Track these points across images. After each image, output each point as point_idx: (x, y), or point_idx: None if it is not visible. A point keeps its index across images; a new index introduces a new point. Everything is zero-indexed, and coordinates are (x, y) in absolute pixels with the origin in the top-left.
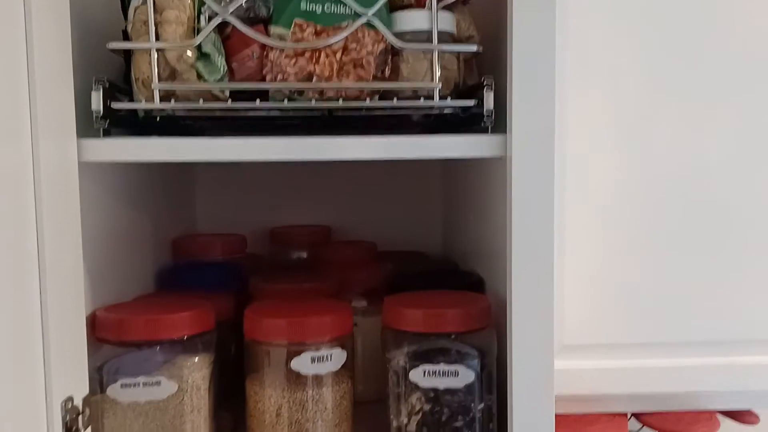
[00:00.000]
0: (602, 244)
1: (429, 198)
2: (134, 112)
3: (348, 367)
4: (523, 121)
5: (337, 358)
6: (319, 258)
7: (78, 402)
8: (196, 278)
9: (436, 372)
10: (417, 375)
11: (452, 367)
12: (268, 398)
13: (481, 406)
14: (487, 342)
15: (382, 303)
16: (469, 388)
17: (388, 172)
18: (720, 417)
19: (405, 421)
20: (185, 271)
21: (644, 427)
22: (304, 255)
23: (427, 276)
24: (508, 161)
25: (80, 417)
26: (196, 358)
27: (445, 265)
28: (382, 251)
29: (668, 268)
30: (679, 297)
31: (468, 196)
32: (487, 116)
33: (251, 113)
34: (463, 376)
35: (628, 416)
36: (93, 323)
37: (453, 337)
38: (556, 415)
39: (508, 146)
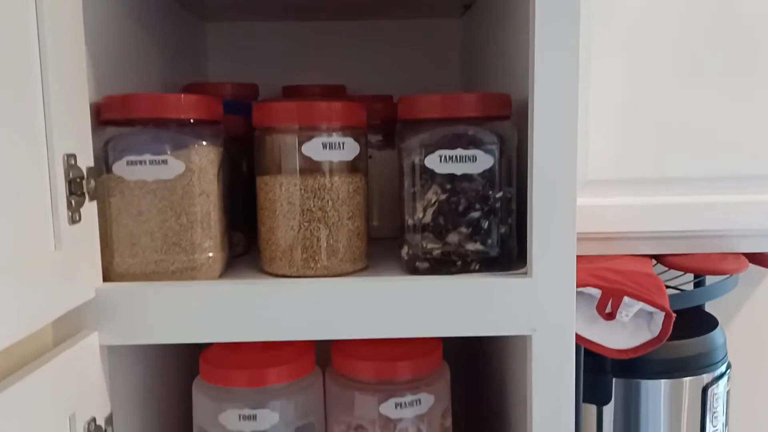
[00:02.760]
0: (628, 72)
1: (446, 56)
2: None
3: (362, 164)
4: None
5: (349, 148)
6: None
7: (82, 164)
8: None
9: (452, 157)
10: (433, 161)
11: (470, 152)
12: (279, 186)
13: (500, 195)
14: (506, 130)
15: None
16: (487, 174)
17: (401, 28)
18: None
19: (420, 215)
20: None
21: (670, 270)
22: None
23: None
24: None
25: (84, 182)
26: (204, 142)
27: None
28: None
29: (697, 99)
30: (708, 130)
31: (489, 35)
32: None
33: None
34: (481, 161)
35: (653, 263)
36: (98, 109)
37: (471, 122)
38: (578, 257)
39: None
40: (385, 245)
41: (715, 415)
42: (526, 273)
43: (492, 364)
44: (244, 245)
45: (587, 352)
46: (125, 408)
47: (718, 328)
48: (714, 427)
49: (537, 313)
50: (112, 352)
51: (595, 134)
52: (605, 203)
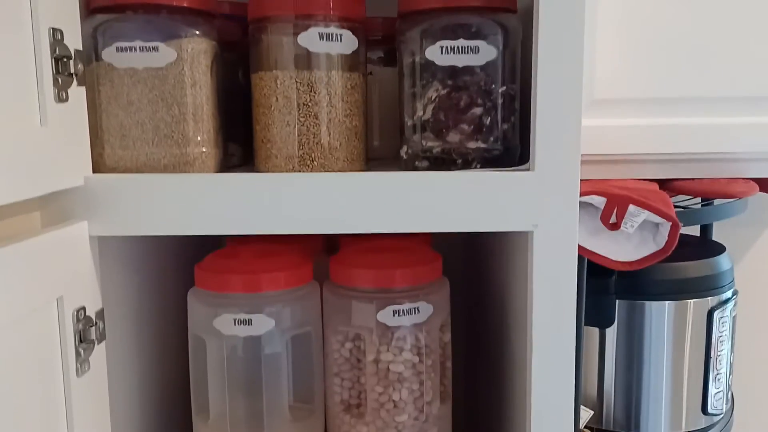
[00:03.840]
0: None
1: None
2: None
3: (360, 63)
4: None
5: (347, 41)
6: None
7: (69, 44)
8: None
9: (454, 48)
10: (433, 53)
11: (472, 43)
12: (274, 81)
13: (503, 89)
14: (511, 23)
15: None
16: (489, 68)
17: None
18: None
19: (420, 113)
20: None
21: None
22: None
23: None
24: None
25: (72, 63)
26: (197, 32)
27: None
28: None
29: (710, 15)
30: (720, 48)
31: None
32: None
33: None
34: (484, 52)
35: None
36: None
37: (474, 12)
38: (581, 181)
39: None
40: (385, 164)
41: (721, 339)
42: (528, 168)
43: (492, 277)
44: (241, 157)
45: (590, 273)
46: (119, 311)
47: (725, 253)
48: (719, 352)
49: (539, 208)
50: (104, 252)
51: (602, 50)
52: (611, 124)
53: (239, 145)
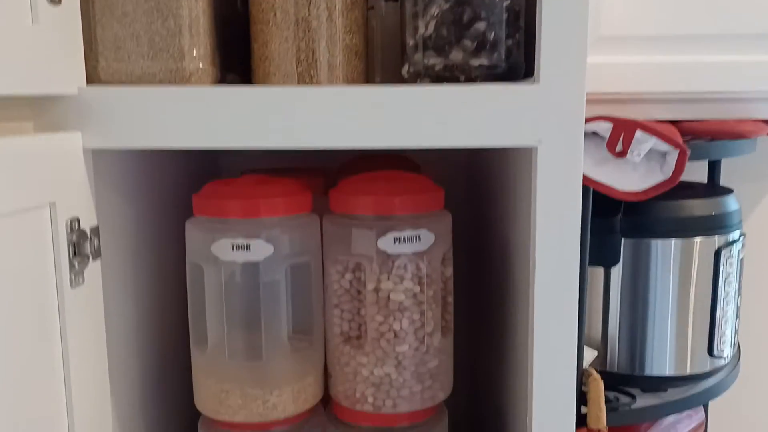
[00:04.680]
0: None
1: None
2: None
3: None
4: None
5: None
6: None
7: None
8: None
9: None
10: None
11: None
12: None
13: (507, 3)
14: None
15: None
16: None
17: None
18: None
19: (423, 30)
20: None
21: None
22: None
23: None
24: None
25: None
26: None
27: None
28: None
29: None
30: None
31: None
32: None
33: None
34: None
35: None
36: None
37: None
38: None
39: None
40: None
41: (728, 281)
42: (533, 81)
43: (495, 208)
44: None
45: (595, 213)
46: (115, 235)
47: (733, 195)
48: (726, 292)
49: (544, 122)
50: (100, 171)
51: None
52: (618, 61)
53: (237, 75)
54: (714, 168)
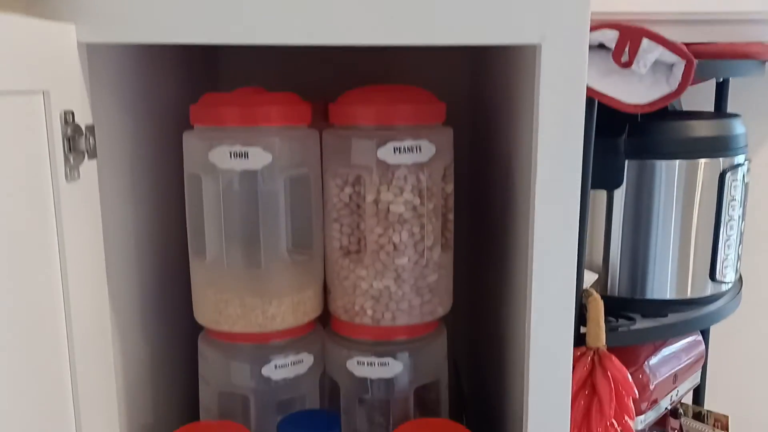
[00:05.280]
0: None
1: None
2: None
3: None
4: None
5: None
6: None
7: None
8: None
9: None
10: None
11: None
12: None
13: None
14: None
15: None
16: None
17: None
18: None
19: None
20: None
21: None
22: None
23: None
24: None
25: None
26: None
27: None
28: None
29: None
30: None
31: None
32: None
33: None
34: None
35: None
36: None
37: None
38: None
39: None
40: None
41: (732, 205)
42: None
43: (496, 121)
44: None
45: (599, 133)
46: (111, 138)
47: (739, 118)
48: (730, 216)
49: (547, 18)
50: (95, 68)
51: None
52: None
53: None
54: (721, 96)
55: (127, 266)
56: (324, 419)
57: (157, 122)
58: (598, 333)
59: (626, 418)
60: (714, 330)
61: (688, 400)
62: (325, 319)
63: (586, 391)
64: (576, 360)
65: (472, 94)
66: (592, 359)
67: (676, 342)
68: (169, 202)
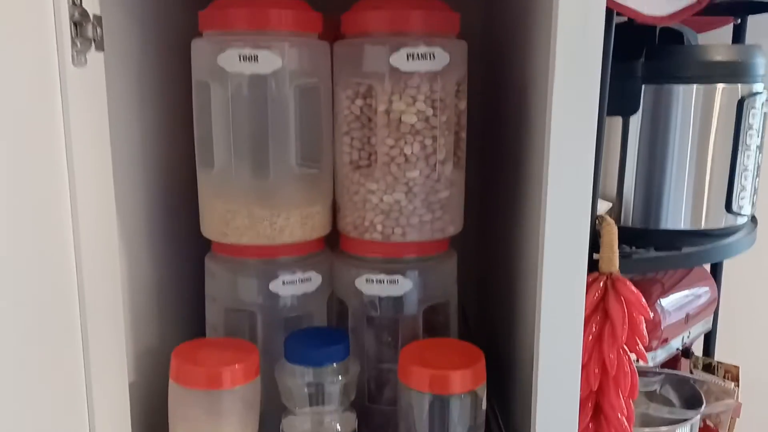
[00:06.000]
0: None
1: None
2: None
3: None
4: None
5: None
6: None
7: None
8: None
9: None
10: None
11: None
12: None
13: None
14: None
15: None
16: None
17: None
18: None
19: None
20: None
21: None
22: None
23: None
24: None
25: None
26: None
27: None
28: None
29: None
30: None
31: None
32: None
33: None
34: None
35: None
36: None
37: None
38: None
39: None
40: None
41: (750, 133)
42: None
43: (512, 42)
44: None
45: (615, 57)
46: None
47: (759, 48)
48: (747, 145)
49: None
50: None
51: None
52: None
53: None
54: (738, 38)
55: (134, 180)
56: (332, 334)
57: (164, 30)
58: (611, 258)
59: (639, 344)
60: (726, 278)
61: (699, 351)
62: (334, 244)
63: (598, 316)
64: (588, 286)
65: (485, 30)
66: (605, 284)
67: (689, 285)
68: (176, 115)
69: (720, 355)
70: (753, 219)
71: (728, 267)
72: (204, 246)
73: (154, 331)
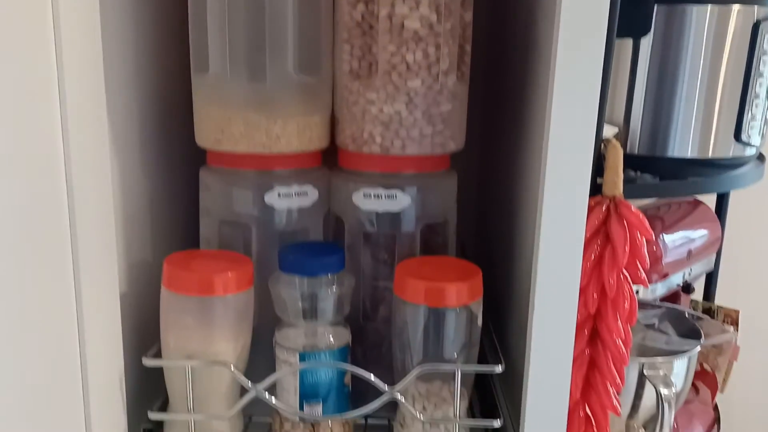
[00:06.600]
0: None
1: None
2: None
3: None
4: None
5: None
6: None
7: None
8: None
9: None
10: None
11: None
12: None
13: None
14: None
15: None
16: None
17: None
18: None
19: None
20: None
21: None
22: None
23: None
24: None
25: None
26: None
27: None
28: None
29: None
30: None
31: None
32: None
33: None
34: None
35: None
36: None
37: None
38: None
39: None
40: None
41: (764, 59)
42: None
43: None
44: None
45: None
46: None
47: None
48: (760, 72)
49: None
50: None
51: None
52: None
53: None
54: None
55: (127, 85)
56: (328, 247)
57: None
58: (615, 181)
59: (640, 270)
60: (730, 222)
61: (699, 296)
62: (333, 165)
63: (599, 240)
64: (591, 209)
65: None
66: (608, 207)
67: (692, 224)
68: (171, 16)
69: (720, 299)
70: (761, 157)
71: (732, 210)
72: (198, 161)
73: (147, 243)
